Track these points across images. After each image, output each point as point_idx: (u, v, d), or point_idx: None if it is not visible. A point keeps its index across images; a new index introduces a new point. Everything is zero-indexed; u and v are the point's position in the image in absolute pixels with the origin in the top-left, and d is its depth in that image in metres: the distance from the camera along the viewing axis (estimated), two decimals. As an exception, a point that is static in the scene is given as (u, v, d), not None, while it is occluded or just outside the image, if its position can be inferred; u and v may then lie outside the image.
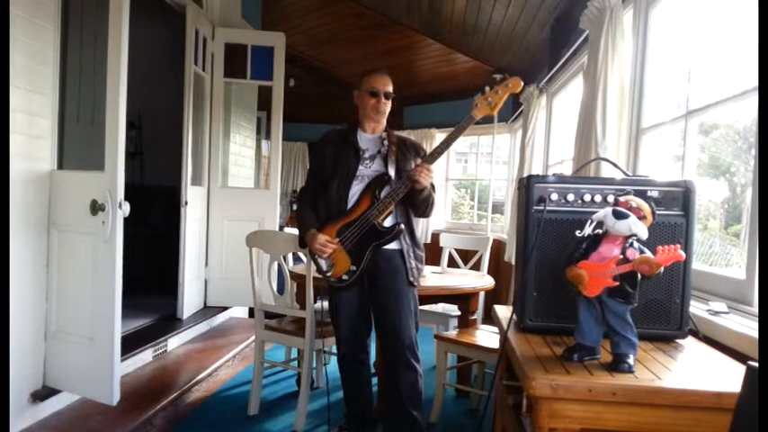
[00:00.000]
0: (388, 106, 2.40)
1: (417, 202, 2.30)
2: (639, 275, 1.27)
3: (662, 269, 1.24)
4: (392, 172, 2.30)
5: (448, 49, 5.50)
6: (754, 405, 0.82)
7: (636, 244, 1.29)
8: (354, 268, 2.28)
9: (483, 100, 2.22)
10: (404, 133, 4.15)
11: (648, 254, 1.26)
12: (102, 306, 2.39)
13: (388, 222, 2.28)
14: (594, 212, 1.37)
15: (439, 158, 2.23)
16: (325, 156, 2.39)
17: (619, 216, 1.28)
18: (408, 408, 2.25)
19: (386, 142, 2.37)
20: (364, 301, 2.35)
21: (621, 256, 1.27)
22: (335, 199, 2.31)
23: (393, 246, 2.30)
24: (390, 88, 2.40)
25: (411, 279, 2.30)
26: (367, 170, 2.33)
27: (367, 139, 2.40)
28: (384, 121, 2.45)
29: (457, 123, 2.23)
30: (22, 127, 2.32)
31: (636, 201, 1.35)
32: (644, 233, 1.29)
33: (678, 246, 1.24)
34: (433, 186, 2.31)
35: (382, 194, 2.26)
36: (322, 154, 2.41)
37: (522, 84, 2.22)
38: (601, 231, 1.34)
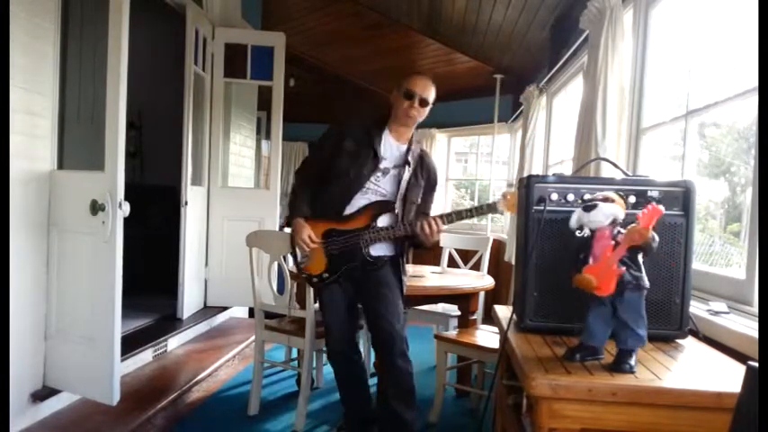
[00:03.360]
0: (421, 114, 2.27)
1: (416, 242, 2.28)
2: (640, 255, 1.27)
3: (654, 235, 1.25)
4: (398, 204, 2.25)
5: (448, 49, 5.49)
6: (754, 405, 0.82)
7: (623, 230, 1.30)
8: (326, 276, 2.28)
9: (513, 196, 2.00)
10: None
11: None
12: (102, 306, 2.39)
13: (375, 251, 2.26)
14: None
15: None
16: (344, 149, 2.27)
17: (588, 209, 1.31)
18: (398, 407, 2.24)
19: (408, 166, 2.27)
20: (351, 300, 2.35)
21: (614, 244, 1.28)
22: (334, 198, 2.27)
23: (386, 252, 2.31)
24: (429, 96, 2.26)
25: (403, 289, 2.32)
26: (376, 185, 2.27)
27: (390, 147, 2.30)
28: (412, 130, 2.34)
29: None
30: (22, 127, 2.32)
31: (603, 194, 1.37)
32: (619, 213, 1.31)
33: (653, 203, 1.26)
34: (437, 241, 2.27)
35: (380, 222, 2.23)
36: (340, 145, 2.28)
37: None
38: (587, 234, 1.34)
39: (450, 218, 2.19)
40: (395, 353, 2.21)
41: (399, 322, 2.24)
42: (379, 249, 2.29)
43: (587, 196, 1.52)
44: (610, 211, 1.30)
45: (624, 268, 1.26)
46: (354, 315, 2.41)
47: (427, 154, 2.44)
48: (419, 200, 2.35)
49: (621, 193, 1.39)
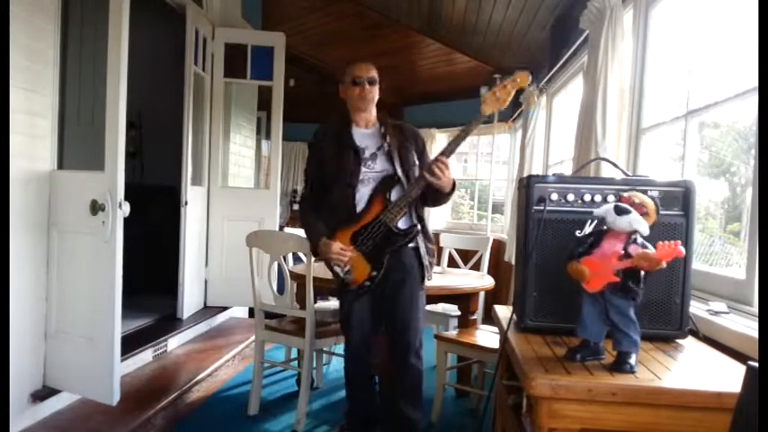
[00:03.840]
0: (374, 93, 2.32)
1: (437, 196, 2.25)
2: (642, 272, 1.27)
3: (664, 264, 1.24)
4: (400, 172, 2.24)
5: (448, 49, 5.50)
6: (754, 405, 0.82)
7: (639, 240, 1.28)
8: (375, 273, 2.23)
9: (491, 95, 2.11)
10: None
11: (650, 249, 1.26)
12: (102, 306, 2.39)
13: (402, 224, 2.24)
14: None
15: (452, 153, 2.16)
16: (325, 157, 2.31)
17: (620, 212, 1.28)
18: (405, 407, 2.24)
19: (388, 138, 2.29)
20: (376, 303, 2.31)
21: (623, 252, 1.27)
22: (341, 204, 2.26)
23: (411, 224, 2.28)
24: (374, 74, 2.31)
25: (425, 276, 2.29)
26: (371, 172, 2.27)
27: (363, 135, 2.33)
28: (374, 111, 2.37)
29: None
30: (22, 127, 2.32)
31: (639, 197, 1.34)
32: (645, 229, 1.28)
33: (678, 242, 1.23)
34: (454, 182, 2.21)
35: (393, 196, 2.21)
36: (321, 155, 2.33)
37: (530, 77, 2.12)
38: (605, 227, 1.34)
39: (449, 149, 2.15)
40: (410, 351, 2.21)
41: (417, 319, 2.24)
42: (405, 222, 2.27)
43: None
44: (637, 225, 1.27)
45: (619, 279, 1.26)
46: (378, 321, 2.38)
47: (401, 123, 2.44)
48: (417, 161, 2.33)
49: (658, 202, 1.34)
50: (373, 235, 2.21)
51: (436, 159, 2.12)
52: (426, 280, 2.33)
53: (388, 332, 2.32)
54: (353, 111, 2.35)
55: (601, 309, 1.32)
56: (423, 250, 2.29)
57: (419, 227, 2.26)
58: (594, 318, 1.33)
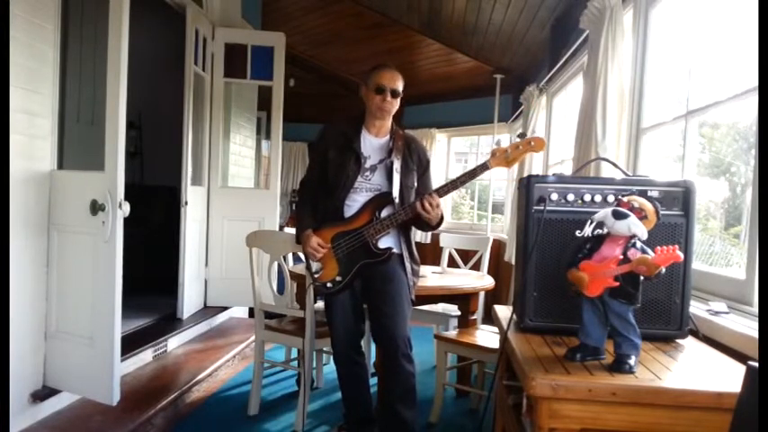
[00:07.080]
0: (394, 105, 2.30)
1: (423, 225, 2.28)
2: (641, 276, 1.27)
3: (663, 270, 1.24)
4: (396, 192, 2.25)
5: (448, 49, 5.50)
6: (754, 405, 0.82)
7: (638, 244, 1.28)
8: (339, 279, 2.28)
9: (502, 152, 2.09)
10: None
11: (649, 254, 1.26)
12: (102, 306, 2.39)
13: (382, 243, 2.27)
14: (595, 212, 1.37)
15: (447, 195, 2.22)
16: (328, 159, 2.32)
17: (618, 216, 1.28)
18: (400, 408, 2.24)
19: (393, 154, 2.28)
20: (358, 302, 2.35)
21: (622, 257, 1.27)
22: (333, 204, 2.30)
23: (393, 245, 2.29)
24: (399, 86, 2.29)
25: (410, 291, 2.31)
26: (366, 182, 2.29)
27: (371, 145, 2.33)
28: (389, 122, 2.36)
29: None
30: (22, 127, 2.32)
31: (638, 201, 1.34)
32: (643, 234, 1.28)
33: (676, 246, 1.23)
34: (441, 216, 2.25)
35: (383, 214, 2.23)
36: (325, 156, 2.34)
37: (545, 145, 2.11)
38: (603, 231, 1.34)
39: (445, 189, 2.19)
40: (398, 354, 2.21)
41: (404, 322, 2.24)
42: (386, 242, 2.29)
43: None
44: (635, 229, 1.27)
45: (618, 284, 1.26)
46: (361, 319, 2.41)
47: (413, 138, 2.43)
48: (416, 184, 2.35)
49: (658, 206, 1.35)
50: (351, 243, 2.25)
51: (430, 194, 2.17)
52: (412, 296, 2.34)
53: (377, 338, 2.32)
54: (369, 116, 2.34)
55: (601, 313, 1.32)
56: (408, 269, 2.31)
57: (395, 250, 2.28)
58: (596, 323, 1.33)
